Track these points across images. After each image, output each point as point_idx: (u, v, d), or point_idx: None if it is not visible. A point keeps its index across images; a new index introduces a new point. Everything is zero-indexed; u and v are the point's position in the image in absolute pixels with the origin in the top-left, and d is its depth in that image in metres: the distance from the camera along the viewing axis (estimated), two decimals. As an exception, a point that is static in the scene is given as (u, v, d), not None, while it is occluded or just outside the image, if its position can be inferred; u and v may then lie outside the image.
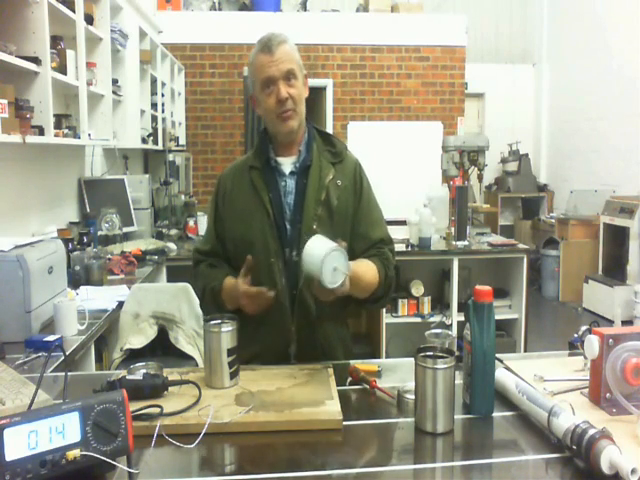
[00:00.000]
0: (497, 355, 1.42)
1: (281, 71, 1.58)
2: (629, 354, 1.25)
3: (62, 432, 0.99)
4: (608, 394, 1.27)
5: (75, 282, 2.72)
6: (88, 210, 3.70)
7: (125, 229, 3.82)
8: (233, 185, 1.72)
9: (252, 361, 1.60)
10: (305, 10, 7.24)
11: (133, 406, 1.19)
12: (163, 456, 1.17)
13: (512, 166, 8.16)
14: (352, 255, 1.64)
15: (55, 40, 2.83)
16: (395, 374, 1.57)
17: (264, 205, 1.64)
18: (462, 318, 1.40)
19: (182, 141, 6.34)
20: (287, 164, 1.68)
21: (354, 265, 1.51)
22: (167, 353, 2.51)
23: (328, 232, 1.61)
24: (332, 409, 1.30)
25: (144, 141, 4.62)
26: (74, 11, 2.96)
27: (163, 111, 5.34)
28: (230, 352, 1.43)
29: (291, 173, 1.68)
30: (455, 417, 1.27)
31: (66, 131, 3.04)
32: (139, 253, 3.43)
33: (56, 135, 2.79)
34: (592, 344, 1.27)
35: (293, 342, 1.64)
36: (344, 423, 1.27)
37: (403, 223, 4.38)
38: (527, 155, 8.21)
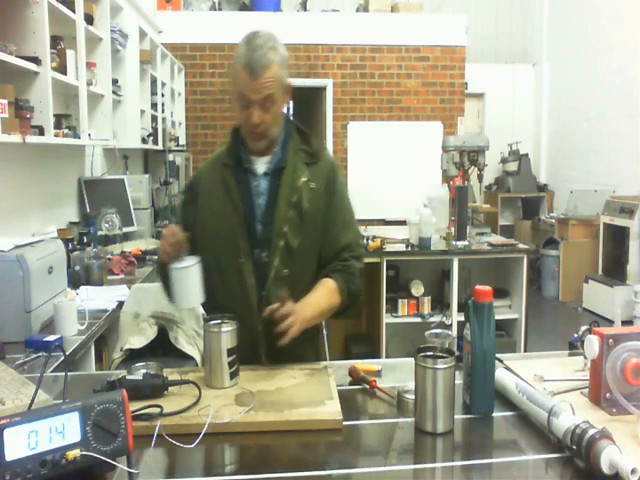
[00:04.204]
0: (497, 355, 1.42)
1: (260, 97, 1.53)
2: (629, 354, 1.25)
3: (62, 432, 0.99)
4: (608, 394, 1.27)
5: (75, 282, 2.72)
6: (88, 210, 3.70)
7: (125, 229, 3.82)
8: (207, 180, 1.72)
9: None
10: (305, 10, 7.24)
11: (133, 406, 1.19)
12: (163, 456, 1.17)
13: (512, 166, 8.15)
14: (319, 261, 1.67)
15: (55, 40, 2.83)
16: (395, 374, 1.57)
17: (235, 204, 1.64)
18: (462, 318, 1.40)
19: (182, 141, 6.34)
20: (261, 164, 1.67)
21: (307, 305, 1.56)
22: (167, 353, 2.51)
23: (298, 234, 1.62)
24: (332, 409, 1.30)
25: (144, 141, 4.62)
26: (74, 11, 2.96)
27: (163, 111, 5.33)
28: (230, 352, 1.43)
29: (264, 174, 1.67)
30: (455, 417, 1.27)
31: (66, 131, 3.04)
32: (139, 253, 3.43)
33: (56, 135, 2.79)
34: (592, 344, 1.27)
35: (262, 342, 1.62)
36: (344, 423, 1.27)
37: (403, 223, 4.38)
38: (527, 155, 8.21)
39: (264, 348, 1.62)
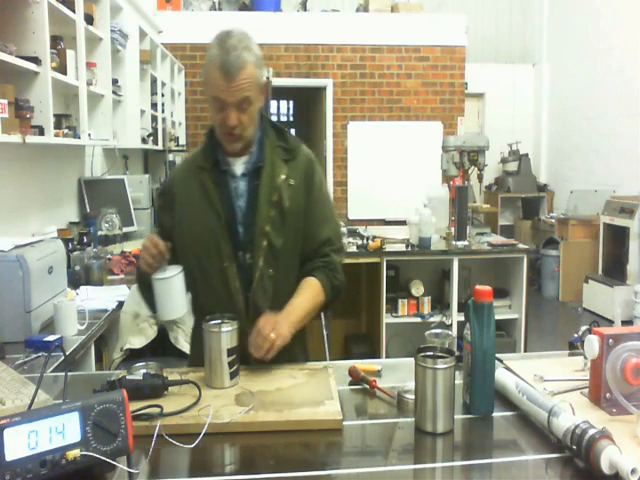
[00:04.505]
0: (497, 355, 1.42)
1: (236, 99, 1.51)
2: (629, 354, 1.25)
3: (62, 432, 0.99)
4: (608, 394, 1.27)
5: (75, 282, 2.72)
6: (88, 210, 3.70)
7: (125, 229, 3.82)
8: (182, 184, 1.69)
9: None
10: (305, 10, 7.24)
11: (133, 406, 1.19)
12: (163, 456, 1.17)
13: (512, 166, 8.16)
14: (300, 255, 1.66)
15: (55, 40, 2.83)
16: (395, 374, 1.57)
17: (215, 208, 1.61)
18: (462, 318, 1.40)
19: (182, 141, 6.34)
20: (238, 165, 1.65)
21: (291, 313, 1.56)
22: (167, 353, 2.51)
23: (281, 233, 1.61)
24: (332, 409, 1.30)
25: (144, 141, 4.62)
26: (74, 11, 2.96)
27: (163, 111, 5.33)
28: (230, 352, 1.43)
29: (243, 174, 1.64)
30: (455, 417, 1.27)
31: (66, 131, 3.04)
32: (139, 253, 3.43)
33: (56, 135, 2.79)
34: (592, 344, 1.27)
35: (250, 344, 1.59)
36: (344, 423, 1.27)
37: (403, 223, 4.38)
38: (527, 155, 8.21)
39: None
